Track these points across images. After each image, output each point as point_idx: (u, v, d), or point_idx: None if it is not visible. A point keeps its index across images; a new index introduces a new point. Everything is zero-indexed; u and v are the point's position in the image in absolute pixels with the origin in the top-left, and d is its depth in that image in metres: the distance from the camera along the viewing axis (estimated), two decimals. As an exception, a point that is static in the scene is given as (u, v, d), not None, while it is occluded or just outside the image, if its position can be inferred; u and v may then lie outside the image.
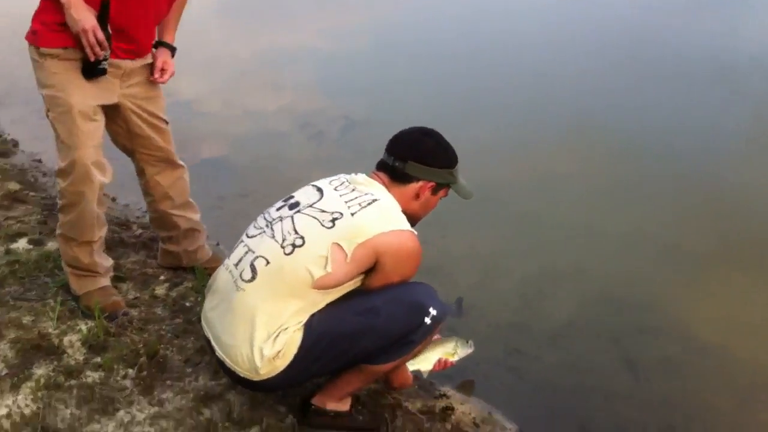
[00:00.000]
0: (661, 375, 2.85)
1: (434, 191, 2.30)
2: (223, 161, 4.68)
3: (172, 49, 2.82)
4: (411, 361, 2.40)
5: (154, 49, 2.78)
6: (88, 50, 2.43)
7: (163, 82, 2.79)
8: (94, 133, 2.58)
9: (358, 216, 2.11)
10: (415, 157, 2.23)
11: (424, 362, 2.60)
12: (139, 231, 3.59)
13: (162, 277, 3.11)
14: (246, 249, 2.19)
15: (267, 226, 2.21)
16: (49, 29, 2.47)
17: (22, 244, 3.30)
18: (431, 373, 2.53)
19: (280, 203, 2.29)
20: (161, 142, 2.86)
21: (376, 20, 8.37)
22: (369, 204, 2.13)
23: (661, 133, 5.16)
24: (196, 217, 3.13)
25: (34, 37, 2.51)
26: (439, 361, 2.66)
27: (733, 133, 5.18)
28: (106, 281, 2.86)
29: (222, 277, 2.23)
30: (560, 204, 4.16)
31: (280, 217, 2.21)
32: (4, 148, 4.77)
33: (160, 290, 3.01)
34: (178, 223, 3.05)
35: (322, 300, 2.12)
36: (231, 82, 6.30)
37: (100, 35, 2.42)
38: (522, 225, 3.95)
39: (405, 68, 6.60)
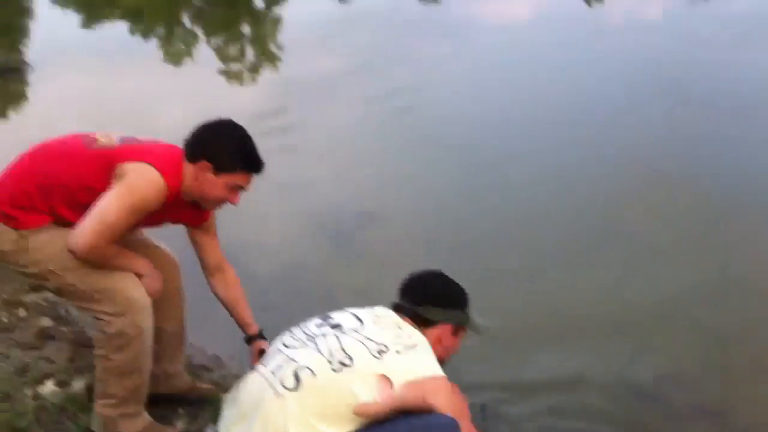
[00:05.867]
0: None
1: (454, 333, 2.36)
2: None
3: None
4: None
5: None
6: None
7: None
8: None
9: (405, 356, 2.13)
10: (432, 301, 2.33)
11: None
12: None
13: (180, 411, 3.11)
14: (286, 357, 2.17)
15: (309, 339, 2.20)
16: (28, 212, 2.49)
17: (49, 386, 3.35)
18: None
19: (318, 320, 2.31)
20: None
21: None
22: (413, 347, 2.16)
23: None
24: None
25: (16, 222, 2.49)
26: None
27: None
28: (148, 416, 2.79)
29: (254, 382, 2.18)
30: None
31: (323, 333, 2.21)
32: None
33: (180, 424, 3.01)
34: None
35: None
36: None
37: None
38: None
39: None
